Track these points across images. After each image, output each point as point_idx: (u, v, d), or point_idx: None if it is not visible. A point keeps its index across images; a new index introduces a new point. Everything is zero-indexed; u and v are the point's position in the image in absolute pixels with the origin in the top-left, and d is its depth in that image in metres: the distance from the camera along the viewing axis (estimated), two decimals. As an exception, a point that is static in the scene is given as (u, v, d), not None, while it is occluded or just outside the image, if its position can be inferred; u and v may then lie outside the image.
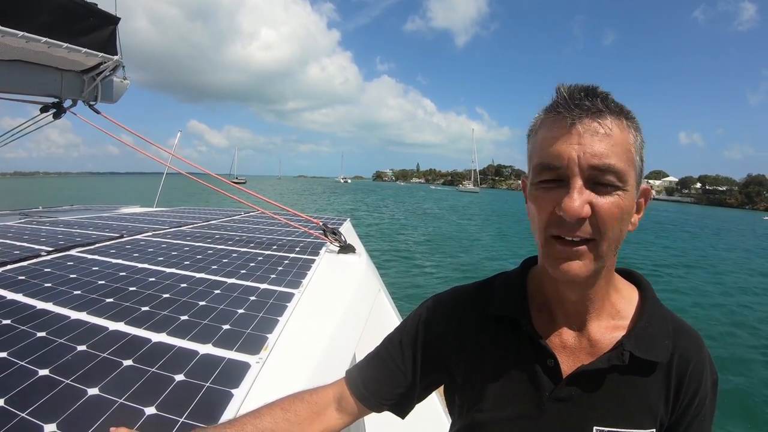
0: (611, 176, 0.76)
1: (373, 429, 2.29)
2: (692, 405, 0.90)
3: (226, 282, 2.34)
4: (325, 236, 3.71)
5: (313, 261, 3.03)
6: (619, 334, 0.90)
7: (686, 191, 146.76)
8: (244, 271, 2.60)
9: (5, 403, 1.12)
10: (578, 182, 0.77)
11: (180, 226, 4.52)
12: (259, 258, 3.03)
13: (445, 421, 2.67)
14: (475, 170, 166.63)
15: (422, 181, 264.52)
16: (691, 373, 0.90)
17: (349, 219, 5.65)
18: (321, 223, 3.85)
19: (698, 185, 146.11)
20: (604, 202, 0.77)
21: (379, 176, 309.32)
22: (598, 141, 0.76)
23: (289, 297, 2.15)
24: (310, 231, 4.10)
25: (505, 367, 0.94)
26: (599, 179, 0.77)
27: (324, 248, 3.51)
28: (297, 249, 3.45)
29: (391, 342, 1.09)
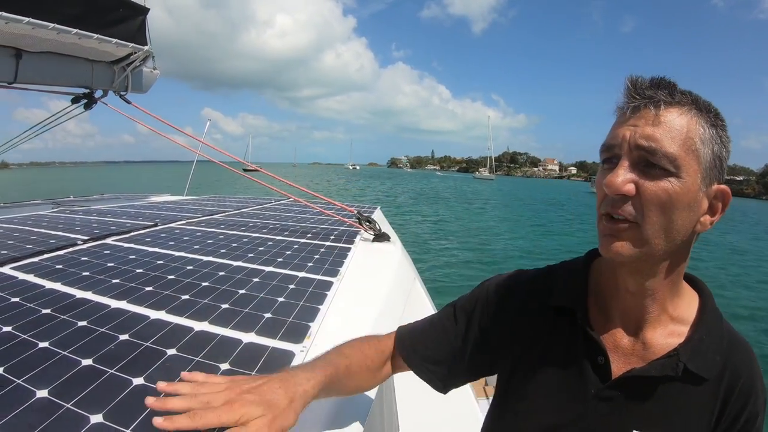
0: (661, 159, 0.78)
1: (405, 412, 2.26)
2: (738, 422, 0.90)
3: (264, 270, 2.30)
4: (360, 224, 3.67)
5: (348, 249, 2.98)
6: (675, 341, 0.89)
7: None
8: (280, 260, 2.56)
9: (50, 394, 1.08)
10: (626, 161, 0.80)
11: (212, 215, 4.50)
12: (295, 246, 2.99)
13: (475, 406, 2.64)
14: (490, 157, 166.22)
15: (437, 168, 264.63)
16: (741, 389, 0.89)
17: (379, 207, 5.60)
18: (355, 211, 3.80)
19: None
20: (651, 184, 0.78)
21: (394, 163, 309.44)
22: (651, 125, 0.79)
23: (328, 285, 2.11)
24: (344, 219, 4.06)
25: (555, 359, 0.95)
26: (649, 160, 0.78)
27: (358, 236, 3.46)
28: (332, 237, 3.41)
29: (448, 313, 1.13)
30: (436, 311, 1.19)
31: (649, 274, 0.86)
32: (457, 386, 1.14)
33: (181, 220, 3.96)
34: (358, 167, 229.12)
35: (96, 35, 3.57)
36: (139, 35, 4.10)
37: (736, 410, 0.89)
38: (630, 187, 0.79)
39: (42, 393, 1.09)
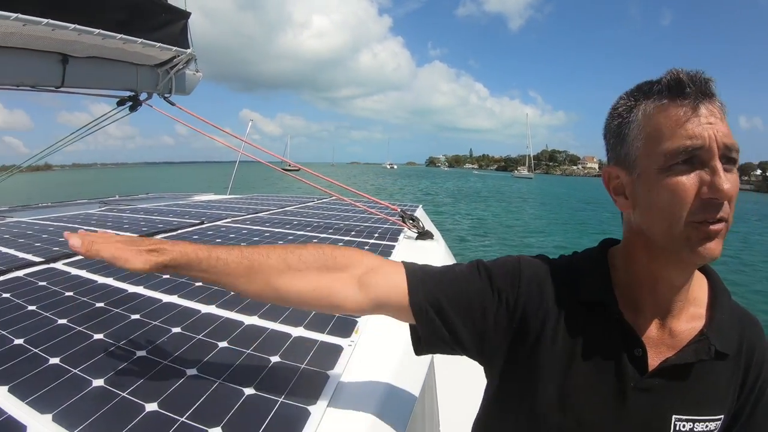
0: (736, 154, 0.78)
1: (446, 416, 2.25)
2: (754, 390, 0.93)
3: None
4: (403, 222, 3.64)
5: (393, 247, 2.96)
6: (697, 324, 0.90)
7: (746, 178, 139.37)
8: (327, 257, 2.53)
9: (105, 383, 1.10)
10: (719, 162, 0.76)
11: (257, 213, 4.54)
12: (340, 244, 2.96)
13: None
14: (529, 155, 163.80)
15: (475, 166, 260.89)
16: (756, 360, 0.93)
17: (421, 206, 5.55)
18: (399, 209, 3.78)
19: (758, 172, 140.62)
20: (734, 178, 0.77)
21: (432, 162, 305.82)
22: (721, 121, 0.78)
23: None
24: (387, 217, 4.04)
25: (591, 353, 0.90)
26: (730, 156, 0.78)
27: (402, 234, 3.44)
28: (376, 235, 3.40)
29: (471, 267, 1.00)
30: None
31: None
32: (433, 352, 1.02)
33: (226, 218, 4.01)
34: (395, 166, 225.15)
35: (140, 40, 3.64)
36: (181, 39, 4.16)
37: (752, 379, 0.93)
38: (730, 187, 0.76)
39: (98, 382, 1.11)
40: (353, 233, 3.45)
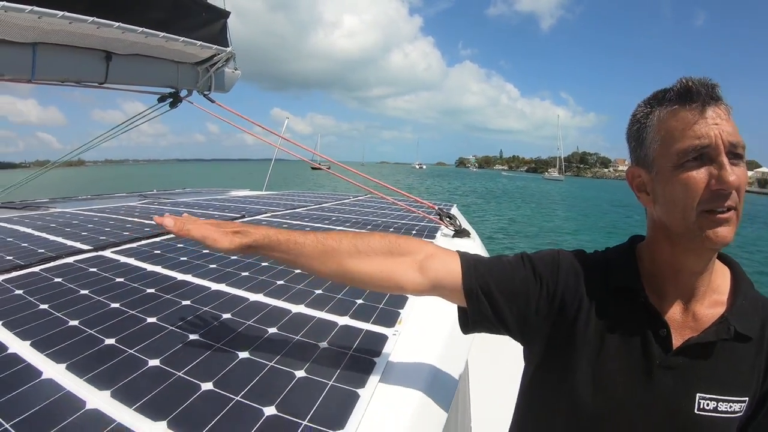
0: (741, 149, 0.87)
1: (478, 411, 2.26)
2: None
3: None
4: (441, 220, 3.64)
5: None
6: (719, 309, 0.96)
7: None
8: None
9: (161, 363, 1.13)
10: (725, 157, 0.85)
11: (294, 209, 4.58)
12: (377, 239, 2.97)
13: None
14: (560, 157, 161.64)
15: (505, 167, 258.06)
16: None
17: (456, 205, 5.52)
18: (436, 208, 3.78)
19: None
20: (740, 171, 0.86)
21: (462, 163, 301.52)
22: (726, 121, 0.87)
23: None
24: (425, 215, 4.03)
25: (620, 336, 0.98)
26: (735, 152, 0.86)
27: (439, 232, 3.43)
28: (413, 232, 3.39)
29: (517, 259, 1.10)
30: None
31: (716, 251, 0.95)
32: (479, 330, 1.10)
33: (265, 213, 4.05)
34: (424, 167, 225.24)
35: (182, 38, 3.72)
36: (221, 37, 4.23)
37: None
38: (735, 179, 0.85)
39: (154, 362, 1.13)
40: (391, 230, 3.45)
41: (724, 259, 1.05)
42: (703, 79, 0.89)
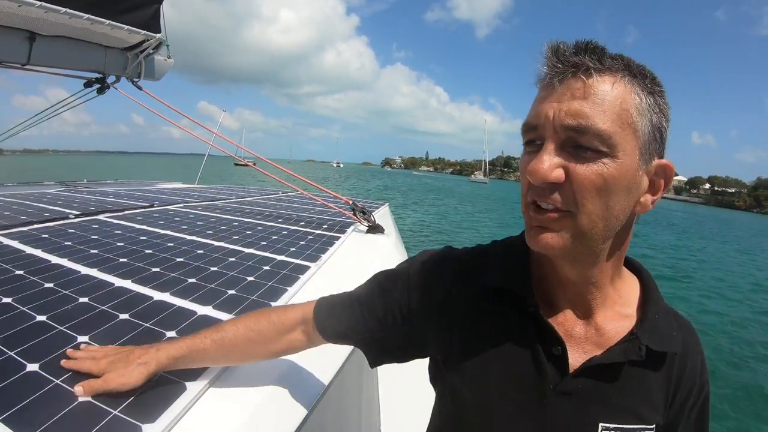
0: (593, 139, 0.68)
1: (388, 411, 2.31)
2: (690, 397, 0.88)
3: (244, 251, 2.36)
4: (354, 215, 3.69)
5: (337, 238, 3.02)
6: (627, 323, 0.84)
7: (694, 191, 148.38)
8: (264, 243, 2.62)
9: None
10: (551, 144, 0.71)
11: (213, 200, 4.60)
12: (284, 232, 3.05)
13: None
14: (485, 161, 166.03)
15: (430, 169, 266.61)
16: (691, 367, 0.87)
17: (387, 204, 5.60)
18: (351, 202, 3.84)
19: (707, 186, 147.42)
20: (583, 168, 0.69)
21: (387, 163, 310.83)
22: (578, 99, 0.69)
23: (303, 269, 2.14)
24: (344, 211, 4.09)
25: (505, 351, 0.85)
26: (578, 141, 0.69)
27: (352, 227, 3.49)
28: (324, 226, 3.46)
29: (370, 289, 1.03)
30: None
31: (590, 263, 0.79)
32: (381, 364, 1.07)
33: (179, 204, 4.06)
34: (341, 165, 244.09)
35: (108, 21, 3.66)
36: (153, 23, 4.17)
37: (689, 386, 0.87)
38: (558, 173, 0.70)
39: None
40: (302, 223, 3.51)
41: (631, 264, 0.92)
42: (577, 42, 0.73)
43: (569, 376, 0.80)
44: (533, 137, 0.75)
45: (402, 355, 1.03)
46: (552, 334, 0.81)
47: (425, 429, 1.10)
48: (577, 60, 0.70)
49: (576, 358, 0.81)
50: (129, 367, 0.98)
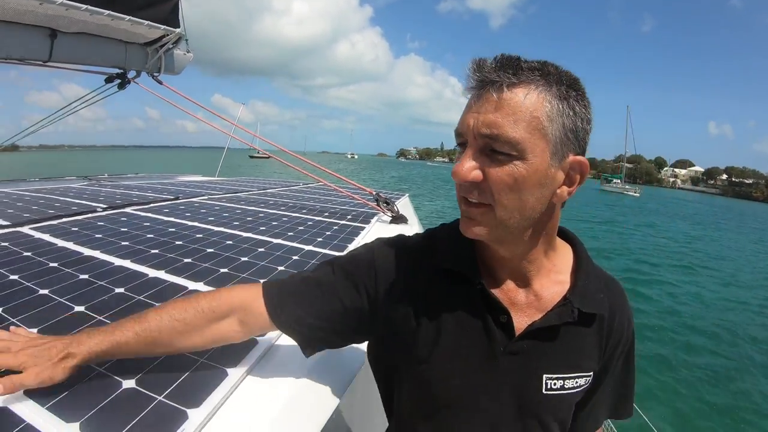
0: (504, 145, 0.80)
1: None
2: (618, 346, 1.03)
3: (272, 242, 2.37)
4: (378, 205, 3.68)
5: (362, 228, 3.02)
6: (561, 289, 0.97)
7: (711, 182, 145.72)
8: (291, 234, 2.62)
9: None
10: (471, 149, 0.84)
11: (236, 192, 4.62)
12: (309, 223, 3.05)
13: None
14: None
15: (446, 159, 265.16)
16: (619, 322, 1.02)
17: (407, 195, 5.60)
18: (374, 193, 3.84)
19: (724, 177, 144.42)
20: (496, 170, 0.82)
21: (402, 154, 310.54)
22: (492, 111, 0.81)
23: (331, 259, 2.13)
24: (367, 202, 4.09)
25: (458, 322, 0.97)
26: (493, 147, 0.81)
27: (376, 218, 3.50)
28: (348, 217, 3.46)
29: (326, 272, 1.05)
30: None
31: (516, 243, 0.92)
32: (322, 349, 1.08)
33: (203, 196, 4.09)
34: (356, 156, 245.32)
35: (128, 17, 3.68)
36: (171, 18, 4.18)
37: (616, 338, 1.02)
38: (476, 174, 0.83)
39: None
40: (326, 214, 3.52)
41: (566, 235, 1.06)
42: (495, 58, 0.83)
43: (515, 339, 0.94)
44: (461, 141, 0.88)
45: (348, 337, 1.09)
46: (498, 305, 0.94)
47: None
48: (495, 76, 0.81)
49: (520, 322, 0.95)
50: (52, 362, 0.92)
